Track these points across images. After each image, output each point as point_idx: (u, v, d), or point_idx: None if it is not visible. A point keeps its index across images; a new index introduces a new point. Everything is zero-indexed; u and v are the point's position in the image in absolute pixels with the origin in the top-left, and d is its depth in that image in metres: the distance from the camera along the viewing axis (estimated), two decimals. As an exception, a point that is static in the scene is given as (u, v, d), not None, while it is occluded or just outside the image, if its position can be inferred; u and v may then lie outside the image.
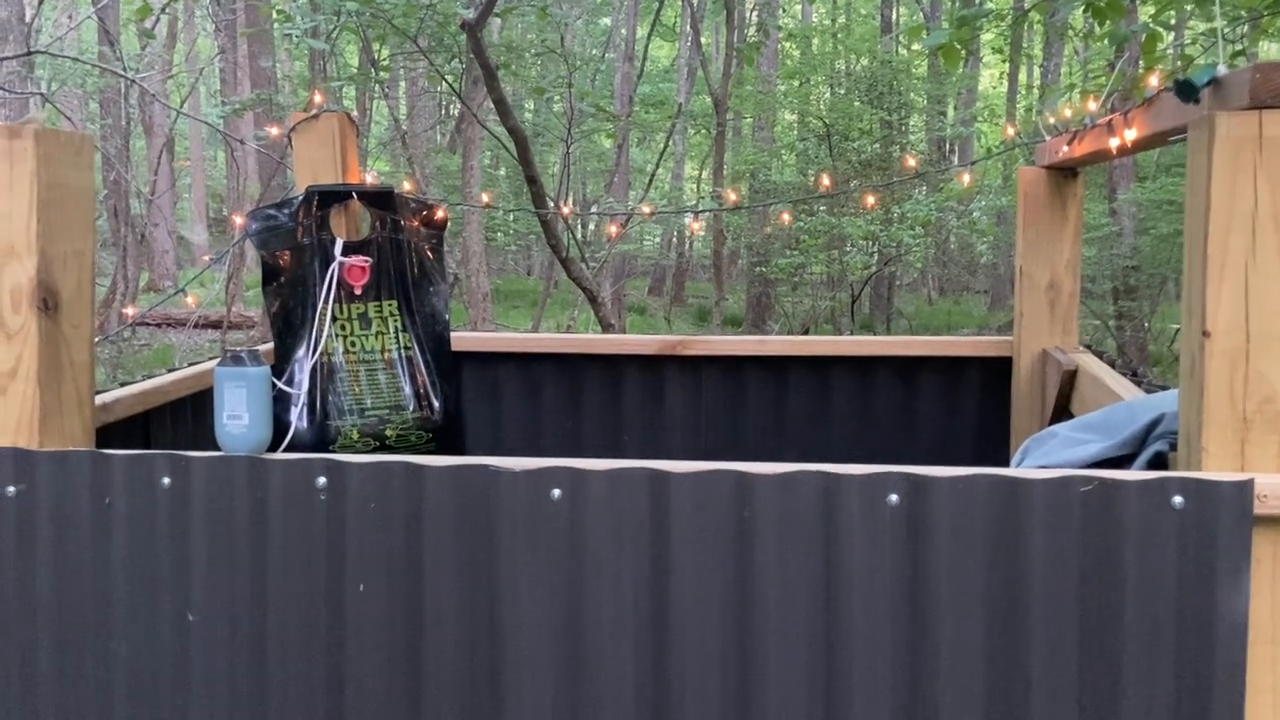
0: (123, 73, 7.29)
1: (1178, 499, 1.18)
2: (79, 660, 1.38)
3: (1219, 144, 1.20)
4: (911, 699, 1.23)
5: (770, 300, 12.61)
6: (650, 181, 11.66)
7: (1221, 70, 1.24)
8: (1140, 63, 4.45)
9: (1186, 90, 1.26)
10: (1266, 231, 1.19)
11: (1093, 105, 1.79)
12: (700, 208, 11.65)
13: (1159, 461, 1.35)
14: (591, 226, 11.32)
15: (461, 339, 2.42)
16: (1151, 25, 4.13)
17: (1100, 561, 1.20)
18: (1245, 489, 1.18)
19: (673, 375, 2.42)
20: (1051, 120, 2.13)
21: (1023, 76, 18.73)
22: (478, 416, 2.49)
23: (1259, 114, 1.18)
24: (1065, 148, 1.92)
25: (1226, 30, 4.38)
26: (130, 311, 3.56)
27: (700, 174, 18.96)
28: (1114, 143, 1.62)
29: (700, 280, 18.78)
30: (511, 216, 15.73)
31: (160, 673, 1.36)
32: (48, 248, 1.42)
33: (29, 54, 6.71)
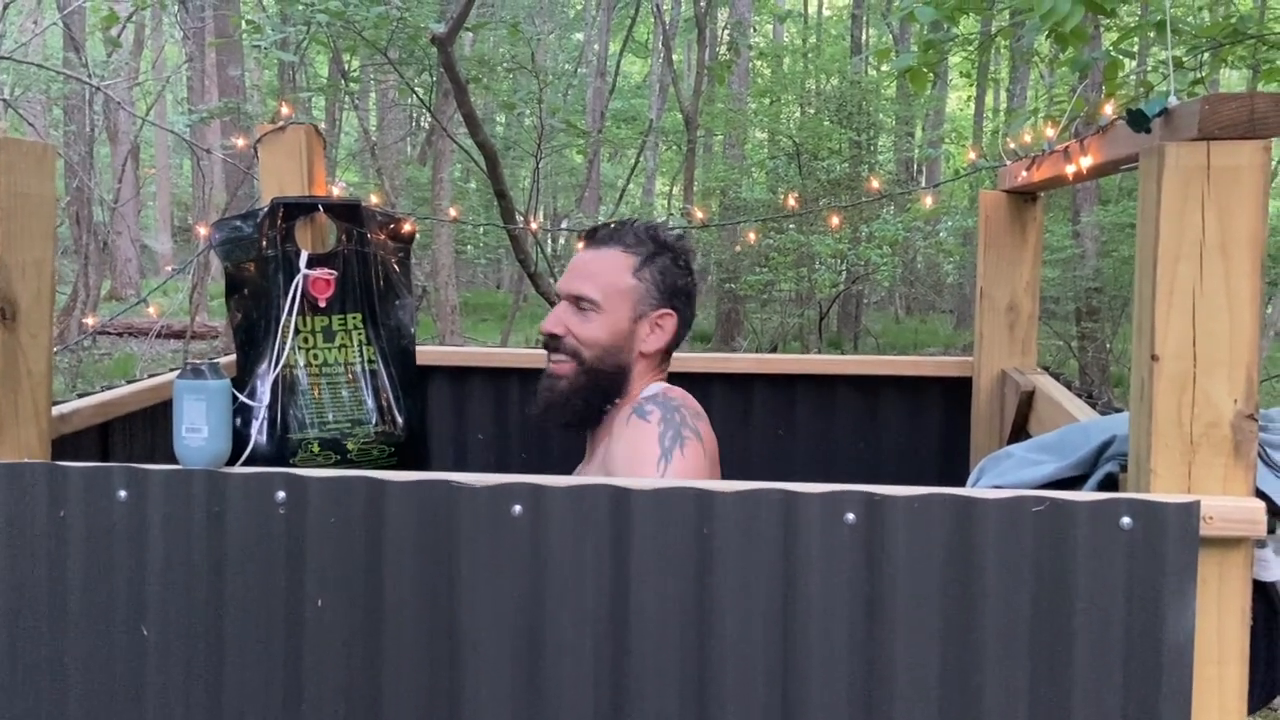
0: (87, 79, 7.22)
1: (1126, 520, 1.21)
2: (31, 674, 1.36)
3: (1168, 173, 1.22)
4: (867, 714, 1.25)
5: (739, 317, 12.67)
6: (621, 197, 11.72)
7: (1172, 101, 1.27)
8: (1103, 89, 4.53)
9: (1138, 120, 1.29)
10: (1214, 260, 1.22)
11: (1050, 131, 1.83)
12: (669, 226, 11.68)
13: (1110, 482, 1.38)
14: (561, 241, 11.33)
15: (428, 353, 2.42)
16: (1113, 53, 4.22)
17: (1051, 581, 1.22)
18: (1192, 510, 1.21)
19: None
20: (1012, 145, 2.16)
21: (990, 100, 19.01)
22: (444, 431, 2.49)
23: (1207, 145, 1.21)
24: (1024, 172, 1.96)
25: (1187, 59, 4.47)
26: (90, 321, 3.52)
27: (671, 190, 19.04)
28: (1070, 169, 1.65)
29: (669, 296, 18.78)
30: (481, 230, 15.71)
31: (115, 687, 1.35)
32: (6, 256, 1.41)
33: (-7, 58, 6.63)
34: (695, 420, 1.74)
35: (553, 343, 1.79)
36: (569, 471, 1.85)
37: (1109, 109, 1.53)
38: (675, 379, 2.40)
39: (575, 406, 1.79)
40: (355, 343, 2.12)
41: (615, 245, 1.81)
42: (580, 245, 1.88)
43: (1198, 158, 1.22)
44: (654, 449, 1.65)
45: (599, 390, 1.78)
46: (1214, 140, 1.21)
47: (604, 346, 1.77)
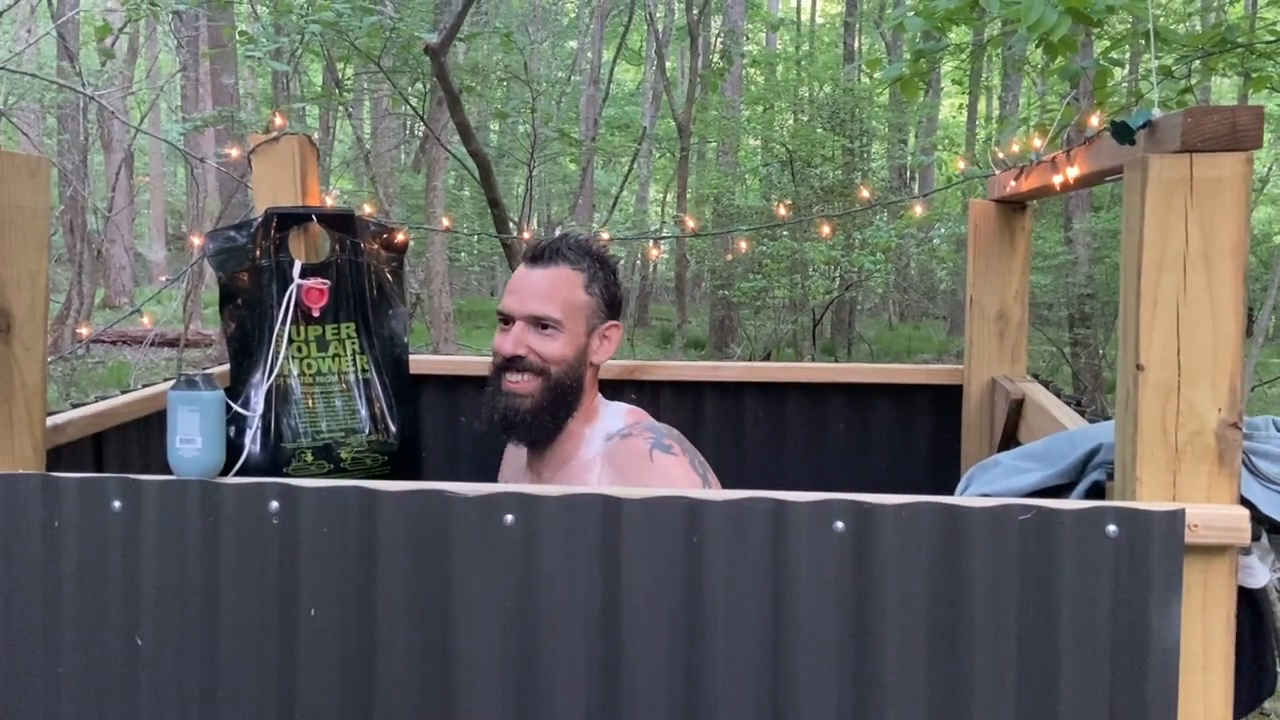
0: (81, 89, 7.22)
1: (1112, 528, 1.22)
2: (26, 684, 1.36)
3: (1152, 185, 1.24)
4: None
5: (733, 323, 12.69)
6: (614, 204, 11.72)
7: (1156, 114, 1.29)
8: (1094, 97, 4.56)
9: (1122, 132, 1.31)
10: (1197, 270, 1.24)
11: (1038, 142, 1.84)
12: (661, 234, 11.72)
13: (1097, 490, 1.39)
14: (555, 248, 11.30)
15: (422, 361, 2.42)
16: (1102, 62, 4.24)
17: (1038, 589, 1.23)
18: (1177, 518, 1.22)
19: (630, 400, 2.44)
20: (1000, 155, 2.18)
21: (983, 106, 19.07)
22: (437, 440, 2.49)
23: (1190, 157, 1.23)
24: (1012, 182, 1.97)
25: (1177, 67, 4.50)
26: (84, 332, 3.52)
27: (665, 197, 19.08)
28: (1057, 179, 1.67)
29: (664, 303, 18.87)
30: (475, 237, 15.72)
31: (109, 698, 1.36)
32: (1, 269, 1.42)
33: (-14, 68, 6.63)
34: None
35: (515, 363, 1.84)
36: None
37: (1095, 120, 1.54)
38: (668, 388, 2.42)
39: (544, 422, 1.84)
40: (349, 352, 2.13)
41: (562, 264, 1.87)
42: (524, 264, 1.91)
43: (1181, 170, 1.23)
44: (695, 477, 1.77)
45: (564, 404, 1.86)
46: (1196, 152, 1.22)
47: (569, 363, 1.84)
